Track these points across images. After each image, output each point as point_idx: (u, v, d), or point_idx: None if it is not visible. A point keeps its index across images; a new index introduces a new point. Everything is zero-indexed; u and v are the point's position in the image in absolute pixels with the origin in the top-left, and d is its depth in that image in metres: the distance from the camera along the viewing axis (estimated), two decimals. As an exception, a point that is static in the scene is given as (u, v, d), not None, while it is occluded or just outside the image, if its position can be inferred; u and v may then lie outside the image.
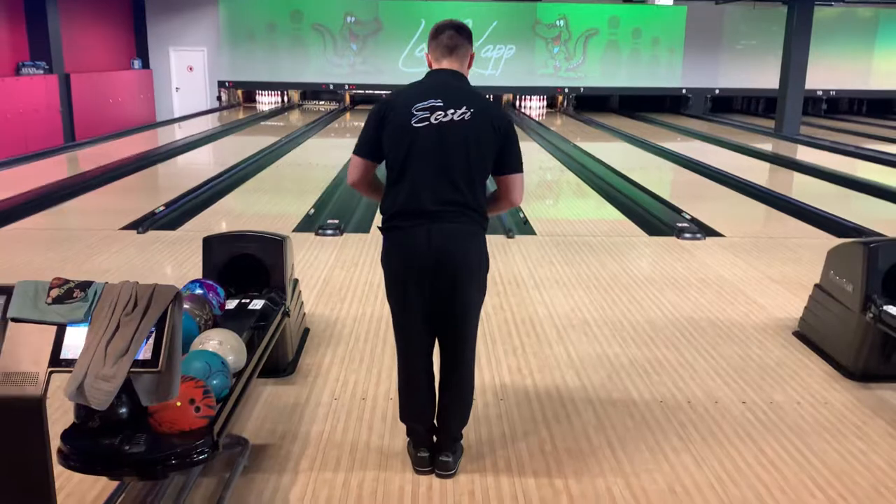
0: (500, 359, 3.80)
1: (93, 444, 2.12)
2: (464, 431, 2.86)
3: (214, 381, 2.46)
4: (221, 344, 2.65)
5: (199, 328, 2.91)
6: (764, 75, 17.75)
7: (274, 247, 3.57)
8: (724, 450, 2.97)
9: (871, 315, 3.51)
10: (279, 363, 3.57)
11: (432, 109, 2.49)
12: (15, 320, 1.72)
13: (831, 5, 17.36)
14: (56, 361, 1.73)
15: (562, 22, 18.41)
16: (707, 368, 3.73)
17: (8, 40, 12.60)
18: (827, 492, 2.70)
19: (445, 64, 2.61)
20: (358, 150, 2.63)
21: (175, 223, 6.59)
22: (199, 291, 3.19)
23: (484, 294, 2.71)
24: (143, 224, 6.36)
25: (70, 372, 1.73)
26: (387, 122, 2.54)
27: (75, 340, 1.75)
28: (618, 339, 4.09)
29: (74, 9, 14.22)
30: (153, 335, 1.76)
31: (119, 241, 5.94)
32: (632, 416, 3.23)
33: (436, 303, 2.59)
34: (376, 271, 5.25)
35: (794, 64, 14.20)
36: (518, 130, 2.74)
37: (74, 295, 1.75)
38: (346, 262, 5.51)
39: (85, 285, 1.79)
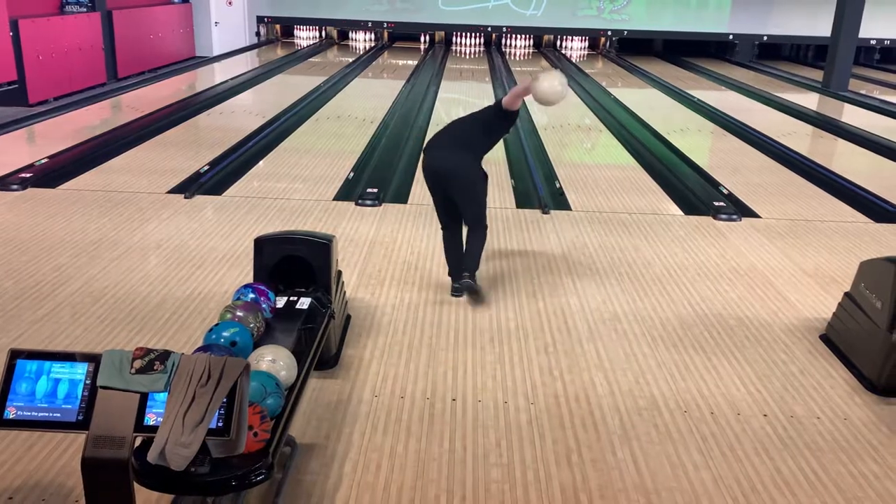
0: (531, 357, 3.98)
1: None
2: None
3: (269, 401, 2.66)
4: (274, 361, 2.84)
5: (253, 335, 3.12)
6: (816, 21, 17.14)
7: (321, 248, 3.74)
8: (742, 468, 3.14)
9: (897, 335, 3.60)
10: (323, 356, 3.78)
11: None
12: (103, 388, 1.93)
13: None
14: (140, 427, 1.94)
15: (607, -39, 17.89)
16: (732, 375, 3.87)
17: (51, -23, 12.65)
18: (837, 519, 2.87)
19: None
20: None
21: (220, 187, 6.78)
22: (251, 297, 3.38)
23: (485, 185, 4.60)
24: (190, 188, 6.56)
25: (151, 436, 1.94)
26: None
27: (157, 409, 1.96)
28: (647, 337, 4.24)
29: (115, -57, 14.13)
30: (224, 405, 1.96)
31: (168, 207, 6.16)
32: (656, 427, 3.40)
33: (450, 196, 4.53)
34: (413, 250, 5.42)
35: (848, 11, 13.71)
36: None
37: (155, 367, 1.95)
38: (385, 237, 5.68)
39: (164, 357, 1.99)
